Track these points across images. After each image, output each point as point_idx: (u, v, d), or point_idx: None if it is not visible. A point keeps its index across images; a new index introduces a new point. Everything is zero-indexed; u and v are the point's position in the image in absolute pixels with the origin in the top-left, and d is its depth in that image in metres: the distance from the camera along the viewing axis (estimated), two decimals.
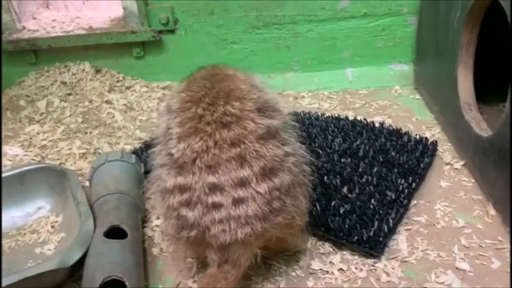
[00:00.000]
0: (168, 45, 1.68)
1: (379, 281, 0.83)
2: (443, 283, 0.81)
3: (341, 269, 0.86)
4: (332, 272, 0.85)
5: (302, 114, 1.34)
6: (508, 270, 0.83)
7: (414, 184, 1.01)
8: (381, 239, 0.86)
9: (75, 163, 1.27)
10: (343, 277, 0.84)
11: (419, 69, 1.57)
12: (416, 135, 1.19)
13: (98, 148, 1.32)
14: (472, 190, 1.05)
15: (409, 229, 0.95)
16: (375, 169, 1.05)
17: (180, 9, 1.62)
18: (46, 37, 1.65)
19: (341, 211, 0.93)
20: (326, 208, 0.93)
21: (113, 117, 1.52)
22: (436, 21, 1.30)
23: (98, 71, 1.73)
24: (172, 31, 1.65)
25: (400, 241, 0.92)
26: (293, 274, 0.86)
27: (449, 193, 1.05)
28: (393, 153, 1.11)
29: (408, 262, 0.87)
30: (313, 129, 1.24)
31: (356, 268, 0.86)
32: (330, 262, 0.88)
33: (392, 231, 0.90)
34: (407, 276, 0.84)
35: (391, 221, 0.90)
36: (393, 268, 0.86)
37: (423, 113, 1.43)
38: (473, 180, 1.08)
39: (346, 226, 0.89)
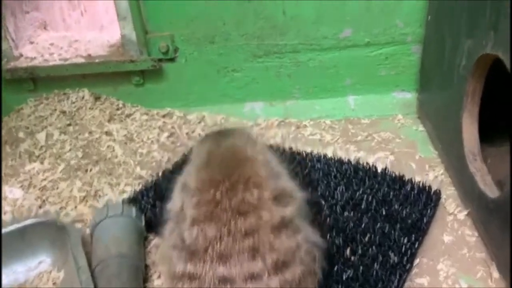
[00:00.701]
0: (168, 73, 1.66)
1: None
2: None
3: None
4: None
5: (304, 154, 1.32)
6: None
7: (417, 243, 1.00)
8: None
9: (76, 207, 1.26)
10: None
11: (423, 98, 1.55)
12: (419, 182, 1.18)
13: (99, 190, 1.31)
14: (475, 246, 1.04)
15: None
16: (378, 224, 1.05)
17: (180, 37, 1.59)
18: (44, 65, 1.63)
19: (344, 277, 0.92)
20: (329, 274, 0.93)
21: (113, 150, 1.51)
22: (442, 57, 1.28)
23: (97, 98, 1.71)
24: (172, 60, 1.62)
25: None
26: None
27: (452, 250, 1.04)
28: (396, 206, 1.10)
29: None
30: (315, 173, 1.23)
31: None
32: None
33: None
34: None
35: None
36: None
37: (427, 148, 1.42)
38: (476, 234, 1.07)
39: None
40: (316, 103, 1.67)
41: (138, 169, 1.41)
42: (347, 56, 1.58)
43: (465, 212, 1.13)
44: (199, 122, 1.66)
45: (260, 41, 1.57)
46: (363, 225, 1.05)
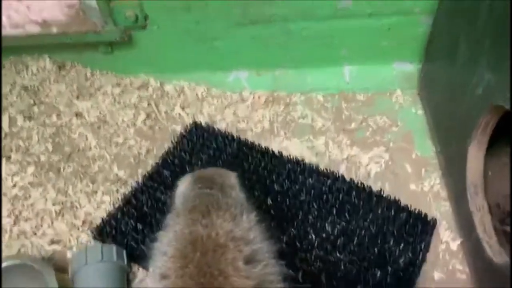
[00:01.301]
0: (139, 40, 1.46)
1: None
2: None
3: None
4: None
5: (295, 162, 1.23)
6: None
7: None
8: None
9: (52, 223, 1.19)
10: None
11: (426, 71, 1.41)
12: (415, 210, 1.12)
13: (75, 201, 1.23)
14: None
15: None
16: (370, 272, 1.02)
17: (150, 5, 1.34)
18: None
19: None
20: None
21: (86, 139, 1.38)
22: (455, 33, 1.12)
23: (61, 67, 1.51)
24: (143, 27, 1.40)
25: None
26: None
27: None
28: (391, 242, 1.06)
29: None
30: (305, 195, 1.15)
31: None
32: None
33: None
34: None
35: None
36: None
37: (424, 143, 1.33)
38: (467, 270, 1.06)
39: None
40: (308, 74, 1.51)
41: (115, 168, 1.31)
42: (345, 26, 1.38)
43: (458, 242, 1.10)
44: (178, 96, 1.50)
45: (244, 9, 1.33)
46: (353, 272, 1.01)
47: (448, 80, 1.19)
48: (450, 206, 1.17)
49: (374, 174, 1.26)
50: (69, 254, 1.14)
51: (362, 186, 1.16)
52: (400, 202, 1.13)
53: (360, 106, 1.44)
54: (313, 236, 1.08)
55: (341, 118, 1.41)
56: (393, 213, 1.11)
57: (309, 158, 1.30)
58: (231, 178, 0.91)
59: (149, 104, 1.46)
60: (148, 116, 1.43)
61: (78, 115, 1.43)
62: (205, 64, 1.51)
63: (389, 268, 1.02)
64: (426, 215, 1.11)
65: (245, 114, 1.43)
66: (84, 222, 1.19)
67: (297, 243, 1.07)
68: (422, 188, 1.22)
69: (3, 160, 1.31)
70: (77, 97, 1.47)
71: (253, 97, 1.48)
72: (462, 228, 1.10)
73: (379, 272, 1.01)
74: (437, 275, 1.06)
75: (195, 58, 1.49)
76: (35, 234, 1.17)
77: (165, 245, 0.78)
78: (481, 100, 0.97)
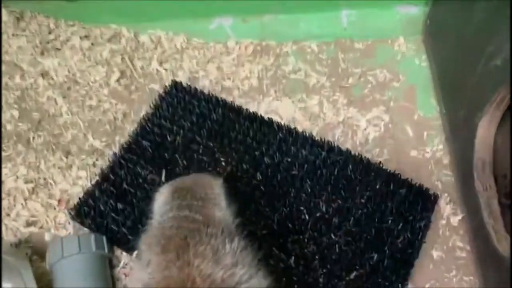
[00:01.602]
0: None
1: None
2: None
3: None
4: None
5: (286, 130, 1.12)
6: None
7: (406, 279, 0.94)
8: None
9: (26, 203, 1.11)
10: None
11: (433, 13, 1.25)
12: (416, 184, 1.04)
13: (49, 178, 1.13)
14: (464, 267, 1.00)
15: None
16: (366, 255, 0.96)
17: None
18: None
19: None
20: None
21: (56, 103, 1.25)
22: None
23: (19, 18, 1.33)
24: None
25: None
26: None
27: (439, 272, 0.99)
28: (389, 221, 0.99)
29: None
30: (298, 169, 1.06)
31: None
32: None
33: None
34: None
35: None
36: None
37: (427, 102, 1.21)
38: (468, 247, 1.01)
39: None
40: (300, 20, 1.34)
41: (90, 136, 1.20)
42: None
43: (460, 217, 1.04)
44: (155, 48, 1.34)
45: None
46: (349, 256, 0.96)
47: (460, 32, 1.04)
48: (453, 176, 1.09)
49: (373, 139, 1.16)
50: (47, 237, 1.07)
51: (359, 157, 1.07)
52: (400, 176, 1.04)
53: (358, 57, 1.30)
54: (306, 216, 1.01)
55: (337, 72, 1.28)
56: (392, 188, 1.03)
57: (302, 122, 1.19)
58: (215, 188, 0.81)
59: (122, 59, 1.31)
60: (122, 73, 1.29)
61: (44, 74, 1.28)
62: (183, 10, 1.33)
63: (387, 251, 0.96)
64: (427, 190, 1.03)
65: (231, 69, 1.29)
66: (60, 201, 1.10)
67: (289, 224, 1.01)
68: (424, 154, 1.13)
69: None
70: (42, 53, 1.30)
71: (239, 48, 1.33)
72: (466, 204, 1.03)
73: (376, 255, 0.96)
74: (436, 253, 1.01)
75: (172, 3, 1.30)
76: (8, 215, 1.09)
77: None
78: (500, 72, 0.84)
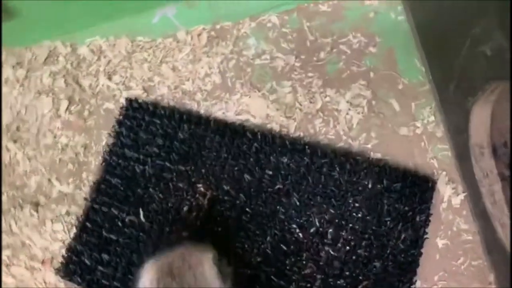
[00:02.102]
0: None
1: None
2: None
3: None
4: None
5: (258, 142, 1.02)
6: None
7: (407, 282, 0.91)
8: None
9: (9, 271, 1.06)
10: None
11: None
12: (410, 174, 0.96)
13: (24, 239, 1.07)
14: (471, 250, 0.95)
15: None
16: (368, 267, 0.92)
17: None
18: None
19: None
20: None
21: (9, 150, 1.15)
22: None
23: None
24: None
25: None
26: None
27: (447, 261, 0.95)
28: (387, 223, 0.93)
29: None
30: (282, 183, 0.98)
31: None
32: None
33: None
34: None
35: None
36: None
37: (411, 65, 1.08)
38: (473, 229, 0.96)
39: None
40: None
41: (55, 182, 1.11)
42: None
43: (462, 196, 0.97)
44: (98, 59, 1.19)
45: None
46: (351, 269, 0.91)
47: None
48: (448, 150, 1.00)
49: (357, 124, 1.05)
50: None
51: (344, 158, 0.97)
52: (391, 169, 0.95)
53: (325, 23, 1.14)
54: (300, 234, 0.95)
55: (306, 46, 1.13)
56: (385, 184, 0.95)
57: (277, 118, 1.07)
58: (206, 266, 0.73)
59: (66, 82, 1.17)
60: (70, 99, 1.16)
61: None
62: (119, 8, 1.15)
63: (389, 256, 0.91)
64: (424, 178, 0.95)
65: (187, 68, 1.15)
66: (43, 262, 1.05)
67: (283, 246, 0.95)
68: (415, 131, 1.03)
69: None
70: None
71: (191, 38, 1.17)
72: (466, 183, 0.95)
73: (378, 263, 0.91)
74: (440, 242, 0.96)
75: (104, 2, 1.12)
76: None
77: None
78: (490, 64, 0.71)
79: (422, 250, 0.94)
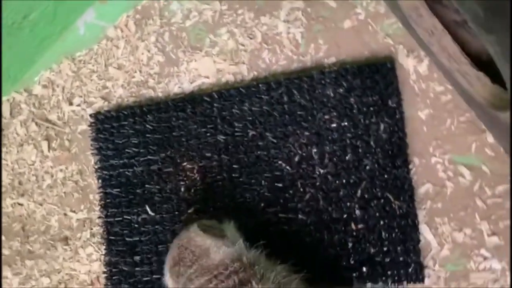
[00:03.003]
0: None
1: None
2: (484, 269, 0.89)
3: None
4: None
5: (218, 102, 1.02)
6: None
7: (403, 171, 0.90)
8: (414, 265, 0.89)
9: None
10: None
11: None
12: (363, 62, 0.93)
13: (69, 271, 1.17)
14: (455, 108, 0.93)
15: (424, 209, 0.93)
16: (360, 168, 0.92)
17: None
18: None
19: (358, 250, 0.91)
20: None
21: (21, 205, 1.24)
22: None
23: None
24: None
25: (424, 230, 0.93)
26: None
27: (435, 128, 0.93)
28: (361, 119, 0.93)
29: (443, 256, 0.92)
30: (253, 128, 0.99)
31: None
32: None
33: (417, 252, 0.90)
34: (451, 273, 0.90)
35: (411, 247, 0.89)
36: (434, 270, 0.92)
37: None
38: (449, 87, 0.93)
39: (378, 268, 0.91)
40: None
41: (70, 213, 1.19)
42: None
43: (426, 62, 0.94)
44: (53, 90, 1.23)
45: None
46: (345, 177, 0.93)
47: None
48: (397, 21, 0.96)
49: (302, 38, 1.03)
50: None
51: (299, 79, 0.96)
52: (347, 69, 0.93)
53: None
54: (287, 168, 0.97)
55: None
56: (346, 86, 0.93)
57: (228, 69, 1.07)
58: (196, 239, 0.78)
59: (37, 124, 1.22)
60: (48, 138, 1.21)
61: None
62: (42, 39, 1.17)
63: (376, 149, 0.91)
64: (381, 61, 0.92)
65: (131, 60, 1.16)
66: (92, 282, 1.15)
67: (278, 184, 0.97)
68: (358, 18, 0.99)
69: None
70: None
71: (121, 31, 1.17)
72: (424, 48, 0.91)
73: (368, 161, 0.91)
74: (423, 113, 0.94)
75: (26, 43, 1.14)
76: None
77: None
78: None
79: (408, 130, 0.93)
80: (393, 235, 0.90)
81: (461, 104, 0.91)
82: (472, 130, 0.91)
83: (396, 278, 0.90)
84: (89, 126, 1.15)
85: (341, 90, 0.93)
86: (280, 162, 0.97)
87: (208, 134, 1.02)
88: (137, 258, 1.07)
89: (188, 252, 0.78)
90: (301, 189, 0.95)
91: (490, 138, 0.89)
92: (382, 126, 0.92)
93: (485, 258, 0.89)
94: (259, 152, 0.98)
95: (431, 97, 0.93)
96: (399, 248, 0.90)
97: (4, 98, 1.24)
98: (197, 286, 0.75)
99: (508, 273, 0.87)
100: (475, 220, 0.89)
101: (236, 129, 1.00)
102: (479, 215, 0.89)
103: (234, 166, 1.00)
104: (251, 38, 1.06)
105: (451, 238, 0.90)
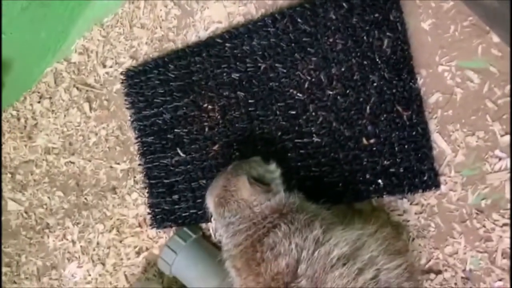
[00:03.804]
0: None
1: (451, 200, 0.93)
2: (500, 169, 0.89)
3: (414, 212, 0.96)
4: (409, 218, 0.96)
5: (230, 42, 1.08)
6: None
7: (409, 81, 0.92)
8: (428, 173, 0.91)
9: (122, 242, 1.30)
10: (422, 215, 0.96)
11: None
12: None
13: (119, 216, 1.30)
14: (457, 14, 0.92)
15: (435, 118, 0.94)
16: (367, 85, 0.95)
17: None
18: None
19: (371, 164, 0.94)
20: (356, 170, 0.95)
21: (73, 163, 1.38)
22: None
23: None
24: None
25: (437, 139, 0.94)
26: None
27: (439, 36, 0.94)
28: (364, 36, 0.95)
29: (458, 161, 0.93)
30: (263, 60, 1.04)
31: (425, 200, 0.95)
32: (403, 210, 0.97)
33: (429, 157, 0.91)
34: (467, 178, 0.92)
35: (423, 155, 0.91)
36: (450, 177, 0.93)
37: None
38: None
39: (393, 179, 0.94)
40: None
41: (115, 165, 1.31)
42: None
43: None
44: (88, 56, 1.35)
45: None
46: (353, 96, 0.96)
47: None
48: None
49: None
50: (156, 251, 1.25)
51: (301, 8, 0.99)
52: None
53: None
54: (299, 94, 1.01)
55: None
56: (346, 7, 0.96)
57: (237, 11, 1.14)
58: (243, 189, 0.84)
59: (78, 89, 1.35)
60: (88, 99, 1.34)
61: (46, 151, 1.39)
62: (72, 7, 1.28)
63: (381, 64, 0.93)
64: None
65: (151, 18, 1.25)
66: (140, 224, 1.26)
67: (292, 111, 1.03)
68: None
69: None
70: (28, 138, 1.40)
71: (129, 8, 1.26)
72: None
73: (375, 77, 0.94)
74: (426, 24, 0.95)
75: (59, 13, 1.26)
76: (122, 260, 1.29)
77: None
78: None
79: (413, 42, 0.94)
80: (405, 145, 0.92)
81: (463, 9, 0.91)
82: (476, 33, 0.90)
83: (412, 187, 0.93)
84: (121, 83, 1.25)
85: (342, 11, 0.96)
86: (291, 90, 1.02)
87: (224, 74, 1.09)
88: (175, 196, 1.17)
89: (234, 201, 0.84)
90: (313, 113, 1.00)
91: (496, 38, 0.88)
92: (385, 41, 0.93)
93: (500, 159, 0.89)
94: (271, 84, 1.03)
95: (432, 6, 0.94)
96: (412, 158, 0.92)
97: (48, 69, 1.38)
98: (235, 229, 0.83)
99: None
100: (487, 122, 0.90)
101: (248, 65, 1.06)
102: (490, 117, 0.89)
103: (250, 100, 1.06)
104: None
105: (465, 144, 0.91)
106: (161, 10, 1.23)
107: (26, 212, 1.41)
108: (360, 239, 0.76)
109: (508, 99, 0.88)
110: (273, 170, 0.90)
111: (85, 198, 1.34)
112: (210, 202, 0.91)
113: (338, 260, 0.72)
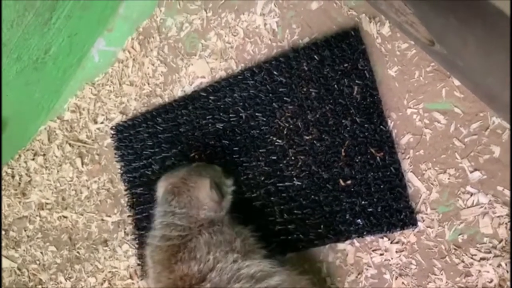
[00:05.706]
0: None
1: (429, 237, 0.96)
2: (473, 204, 0.93)
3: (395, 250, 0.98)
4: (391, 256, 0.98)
5: (213, 95, 1.15)
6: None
7: (380, 124, 0.97)
8: (405, 211, 0.94)
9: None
10: (403, 253, 0.98)
11: None
12: (331, 34, 1.03)
13: (111, 269, 1.31)
14: (420, 60, 0.99)
15: (408, 158, 0.99)
16: (340, 129, 1.00)
17: None
18: None
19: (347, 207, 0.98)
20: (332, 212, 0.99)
21: (66, 218, 1.40)
22: None
23: None
24: None
25: (411, 178, 0.98)
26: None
27: (406, 81, 1.00)
28: (335, 85, 1.01)
29: (433, 199, 0.96)
30: (245, 111, 1.10)
31: (405, 238, 0.98)
32: (385, 249, 1.00)
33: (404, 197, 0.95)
34: (443, 214, 0.95)
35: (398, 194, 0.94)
36: (427, 214, 0.96)
37: None
38: (411, 42, 1.00)
39: (372, 218, 0.97)
40: None
41: (106, 218, 1.34)
42: None
43: (387, 24, 1.02)
44: (80, 114, 1.41)
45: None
46: (328, 140, 1.01)
47: None
48: None
49: (278, 27, 1.15)
50: None
51: (276, 61, 1.07)
52: (316, 43, 1.03)
53: None
54: (278, 141, 1.06)
55: None
56: (317, 59, 1.03)
57: (220, 66, 1.21)
58: (202, 190, 0.89)
59: (71, 145, 1.40)
60: (81, 155, 1.38)
61: (39, 206, 1.42)
62: (64, 69, 1.35)
63: (352, 110, 0.99)
64: (345, 31, 1.01)
65: (140, 76, 1.32)
66: (131, 277, 1.27)
67: (272, 157, 1.07)
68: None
69: None
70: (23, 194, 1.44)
71: (129, 52, 1.34)
72: (380, 12, 1.00)
73: (347, 121, 0.99)
74: (392, 71, 1.01)
75: (52, 75, 1.34)
76: None
77: None
78: None
79: (381, 88, 1.00)
80: (381, 185, 0.96)
81: (425, 56, 0.98)
82: (439, 78, 0.97)
83: (390, 226, 0.96)
84: (111, 137, 1.30)
85: (314, 63, 1.03)
86: (271, 137, 1.07)
87: (209, 125, 1.15)
88: None
89: (188, 195, 0.89)
90: (293, 158, 1.04)
91: (456, 81, 0.95)
92: (355, 88, 1.00)
93: (471, 194, 0.93)
94: (252, 132, 1.09)
95: (397, 54, 1.01)
96: (387, 197, 0.96)
97: (42, 127, 1.44)
98: (174, 222, 0.87)
99: (495, 204, 0.90)
100: (457, 160, 0.94)
101: (231, 115, 1.12)
102: (459, 154, 0.94)
103: (234, 148, 1.11)
104: (235, 36, 1.19)
105: (438, 181, 0.95)
106: (148, 68, 1.30)
107: (19, 269, 1.42)
108: (276, 272, 0.80)
109: (474, 137, 0.93)
110: (229, 185, 0.96)
111: (78, 252, 1.36)
112: (162, 187, 0.95)
113: (245, 278, 0.76)
